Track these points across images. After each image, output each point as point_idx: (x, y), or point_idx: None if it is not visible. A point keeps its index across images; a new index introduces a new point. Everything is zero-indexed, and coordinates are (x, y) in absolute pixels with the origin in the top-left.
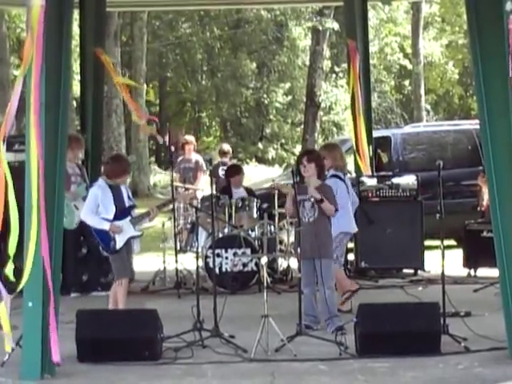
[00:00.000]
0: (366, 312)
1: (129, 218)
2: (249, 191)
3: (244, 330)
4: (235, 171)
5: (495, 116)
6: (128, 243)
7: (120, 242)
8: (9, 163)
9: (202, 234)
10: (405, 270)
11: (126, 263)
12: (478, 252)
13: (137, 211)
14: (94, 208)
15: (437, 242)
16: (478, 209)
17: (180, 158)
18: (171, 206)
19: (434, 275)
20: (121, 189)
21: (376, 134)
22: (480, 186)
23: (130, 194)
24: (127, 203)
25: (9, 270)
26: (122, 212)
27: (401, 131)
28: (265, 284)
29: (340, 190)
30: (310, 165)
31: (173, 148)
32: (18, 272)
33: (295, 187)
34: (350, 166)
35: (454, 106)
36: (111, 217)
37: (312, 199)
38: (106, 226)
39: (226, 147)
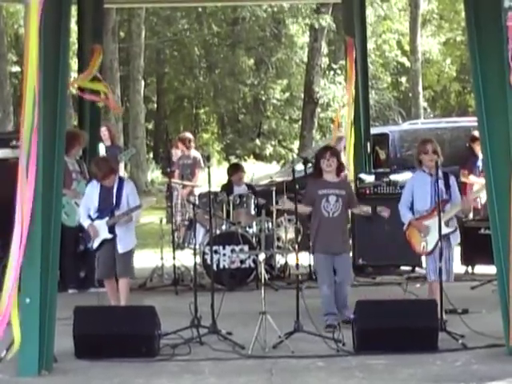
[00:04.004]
0: (364, 309)
1: (106, 218)
2: (251, 188)
3: (242, 327)
4: (235, 169)
5: (493, 113)
6: (111, 244)
7: (96, 242)
8: (7, 159)
9: (200, 231)
10: (402, 267)
11: (100, 264)
12: (475, 249)
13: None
14: (86, 205)
15: None
16: (480, 206)
17: (179, 155)
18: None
19: None
20: (112, 189)
21: (374, 130)
22: (467, 184)
23: (124, 193)
24: (113, 204)
25: None
26: (102, 212)
27: (398, 128)
28: (262, 281)
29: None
30: (334, 159)
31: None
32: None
33: (296, 196)
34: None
35: (451, 102)
36: (93, 214)
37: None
38: (85, 225)
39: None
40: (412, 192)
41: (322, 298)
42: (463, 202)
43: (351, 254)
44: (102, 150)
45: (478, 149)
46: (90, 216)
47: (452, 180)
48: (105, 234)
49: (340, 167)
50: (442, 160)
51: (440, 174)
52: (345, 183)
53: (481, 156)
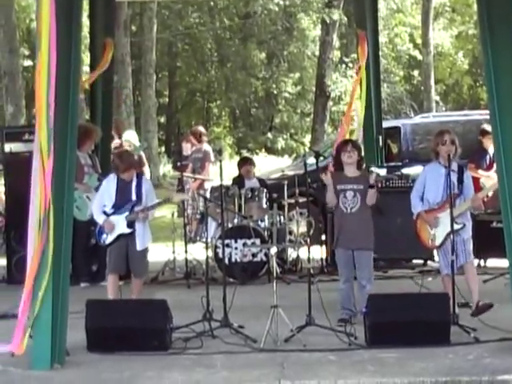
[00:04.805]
0: (376, 302)
1: (126, 213)
2: (261, 182)
3: (253, 321)
4: (243, 162)
5: (505, 106)
6: (126, 240)
7: (110, 237)
8: (19, 153)
9: (212, 225)
10: (414, 261)
11: (112, 258)
12: (487, 243)
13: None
14: (101, 200)
15: None
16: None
17: (193, 149)
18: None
19: None
20: (130, 184)
21: (386, 124)
22: (475, 178)
23: (144, 189)
24: (133, 199)
25: None
26: (120, 207)
27: (410, 121)
28: (274, 274)
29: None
30: (355, 152)
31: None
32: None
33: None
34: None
35: (463, 96)
36: (109, 209)
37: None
38: (100, 220)
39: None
40: (424, 183)
41: (338, 292)
42: (473, 200)
43: None
44: (129, 135)
45: (487, 143)
46: (105, 212)
47: (466, 175)
48: (122, 229)
49: (360, 161)
50: (460, 152)
51: (455, 167)
52: (365, 177)
53: (490, 150)
